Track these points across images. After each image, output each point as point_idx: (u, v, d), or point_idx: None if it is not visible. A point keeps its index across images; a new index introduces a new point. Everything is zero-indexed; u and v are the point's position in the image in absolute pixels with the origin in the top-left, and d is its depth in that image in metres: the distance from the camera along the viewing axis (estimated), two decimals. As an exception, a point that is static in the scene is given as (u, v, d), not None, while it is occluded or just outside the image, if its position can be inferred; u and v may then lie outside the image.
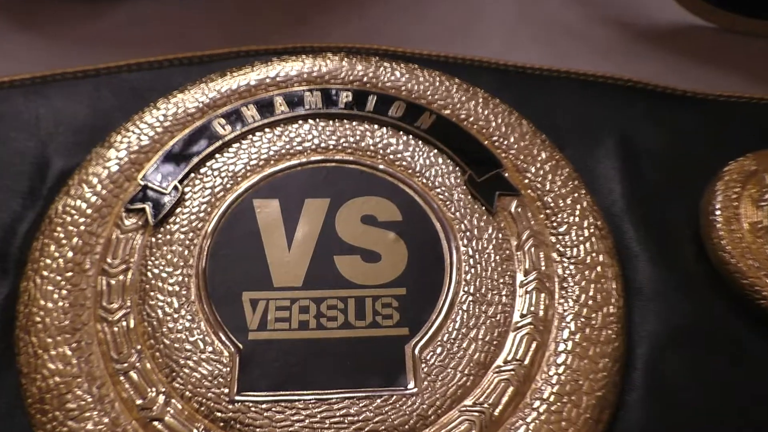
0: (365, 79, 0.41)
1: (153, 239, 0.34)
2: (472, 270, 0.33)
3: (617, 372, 0.31)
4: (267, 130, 0.38)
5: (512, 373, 0.30)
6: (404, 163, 0.37)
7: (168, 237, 0.34)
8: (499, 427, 0.29)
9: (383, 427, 0.29)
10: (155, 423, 0.29)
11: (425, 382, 0.30)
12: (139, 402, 0.29)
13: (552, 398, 0.30)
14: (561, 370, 0.31)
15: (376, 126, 0.38)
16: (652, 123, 0.42)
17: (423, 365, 0.31)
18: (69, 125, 0.40)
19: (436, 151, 0.38)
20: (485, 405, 0.30)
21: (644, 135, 0.41)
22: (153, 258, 0.33)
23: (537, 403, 0.30)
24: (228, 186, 0.36)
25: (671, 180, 0.39)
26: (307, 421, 0.29)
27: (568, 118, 0.42)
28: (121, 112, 0.40)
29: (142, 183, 0.36)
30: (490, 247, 0.34)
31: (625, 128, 0.41)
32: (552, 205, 0.36)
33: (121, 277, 0.33)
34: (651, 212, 0.38)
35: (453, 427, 0.29)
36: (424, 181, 0.36)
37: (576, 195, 0.36)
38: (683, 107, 0.43)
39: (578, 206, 0.36)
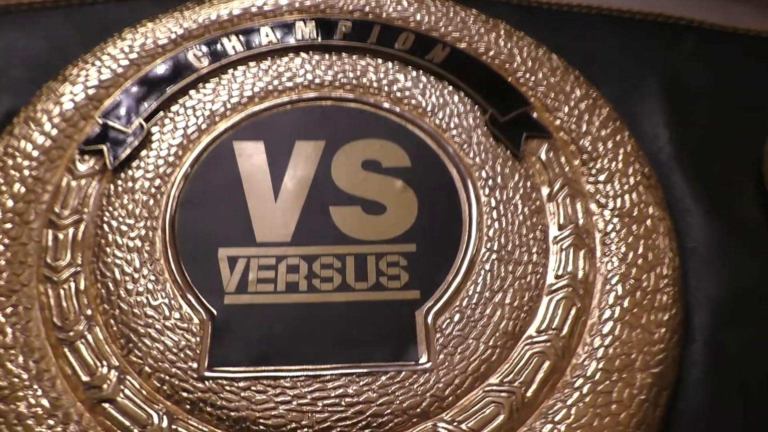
0: (367, 8, 0.35)
1: (112, 186, 0.28)
2: (496, 224, 0.28)
3: (676, 344, 0.25)
4: (251, 63, 0.32)
5: (548, 344, 0.25)
6: (413, 101, 0.31)
7: (130, 184, 0.28)
8: (533, 410, 0.24)
9: (389, 411, 0.23)
10: (105, 405, 0.23)
11: (441, 356, 0.24)
12: (86, 379, 0.24)
13: (598, 376, 0.24)
14: (608, 341, 0.25)
15: (380, 60, 0.33)
16: (701, 61, 0.36)
17: (438, 335, 0.25)
18: (21, 59, 0.34)
19: (451, 87, 0.32)
20: (515, 384, 0.24)
21: (692, 74, 0.35)
22: (111, 208, 0.28)
23: (579, 382, 0.24)
24: (204, 126, 0.30)
25: (726, 123, 0.33)
26: (294, 402, 0.23)
27: (604, 57, 0.36)
28: (83, 47, 0.34)
29: (100, 121, 0.30)
30: (517, 197, 0.28)
31: (670, 67, 0.36)
32: (589, 149, 0.30)
33: (71, 230, 0.27)
34: (704, 160, 0.32)
35: (476, 411, 0.23)
36: (437, 121, 0.31)
37: (618, 138, 0.30)
38: (734, 45, 0.37)
39: (621, 151, 0.30)
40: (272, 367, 0.24)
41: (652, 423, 0.24)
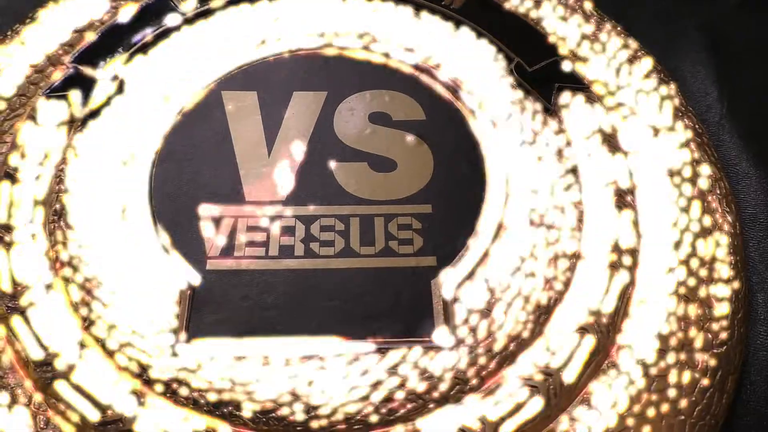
0: (376, -48, 0.31)
1: (80, 137, 0.24)
2: (524, 182, 0.24)
3: (741, 321, 0.21)
4: (246, 7, 0.28)
5: (590, 320, 0.21)
6: (428, 50, 0.27)
7: (102, 135, 0.24)
8: (574, 396, 0.20)
9: (400, 394, 0.19)
10: (59, 384, 0.19)
11: (462, 331, 0.20)
12: (38, 354, 0.20)
13: (652, 357, 0.20)
14: (661, 317, 0.21)
15: (390, 6, 0.29)
16: (747, 13, 0.32)
17: (458, 308, 0.21)
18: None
19: (470, 35, 0.28)
20: (552, 365, 0.20)
21: (738, 26, 0.31)
22: (78, 161, 0.24)
23: (628, 364, 0.20)
24: (188, 74, 0.26)
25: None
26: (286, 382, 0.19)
27: (641, 9, 0.32)
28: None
29: (70, 66, 0.26)
30: (549, 153, 0.24)
31: (714, 18, 0.32)
32: (630, 102, 0.26)
33: (30, 185, 0.23)
34: (759, 119, 0.28)
35: (507, 396, 0.19)
36: (456, 71, 0.27)
37: (663, 91, 0.26)
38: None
39: (667, 104, 0.26)
40: (261, 342, 0.20)
41: (717, 413, 0.20)
